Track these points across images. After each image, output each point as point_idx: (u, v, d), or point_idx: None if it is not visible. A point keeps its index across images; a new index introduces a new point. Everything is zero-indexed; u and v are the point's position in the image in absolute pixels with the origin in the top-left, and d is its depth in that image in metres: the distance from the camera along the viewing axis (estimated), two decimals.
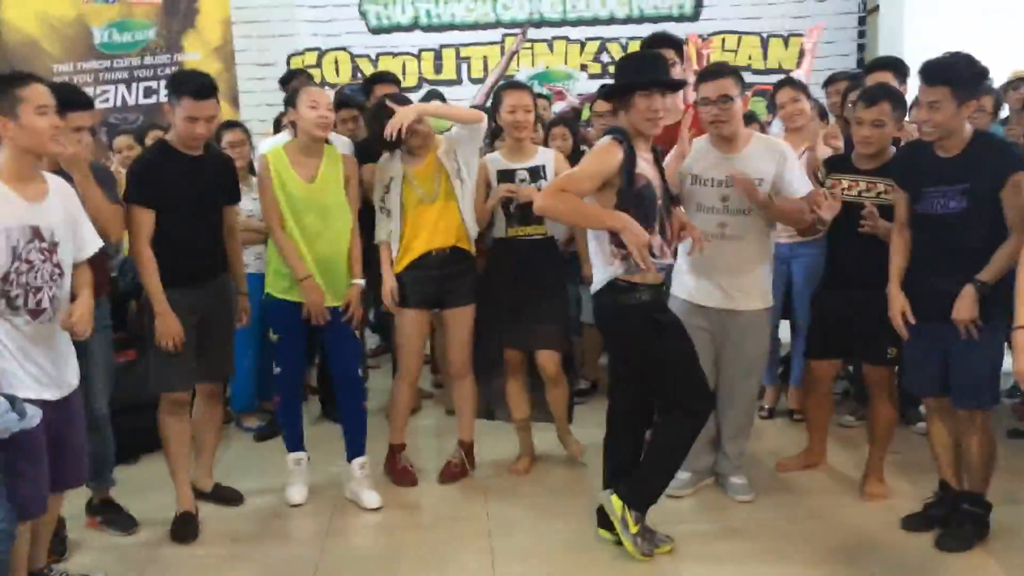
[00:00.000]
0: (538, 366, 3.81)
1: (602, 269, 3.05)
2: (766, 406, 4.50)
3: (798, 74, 6.29)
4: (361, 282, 3.68)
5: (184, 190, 3.30)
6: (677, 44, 4.01)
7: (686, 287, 3.53)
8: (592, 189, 2.94)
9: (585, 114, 6.08)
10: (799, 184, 3.42)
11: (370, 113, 3.88)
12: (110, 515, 3.47)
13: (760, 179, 3.35)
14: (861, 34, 7.46)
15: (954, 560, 3.05)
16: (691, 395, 3.06)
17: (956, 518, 3.17)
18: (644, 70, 3.01)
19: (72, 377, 2.74)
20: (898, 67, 4.28)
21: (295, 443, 3.74)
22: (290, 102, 3.58)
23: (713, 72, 3.43)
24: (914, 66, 5.03)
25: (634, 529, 3.05)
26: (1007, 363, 2.84)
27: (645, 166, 2.98)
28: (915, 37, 6.80)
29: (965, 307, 2.94)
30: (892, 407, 3.59)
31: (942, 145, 3.04)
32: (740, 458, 3.66)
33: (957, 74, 2.94)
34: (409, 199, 3.70)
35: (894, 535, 3.25)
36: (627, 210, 2.90)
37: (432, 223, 3.69)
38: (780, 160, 3.40)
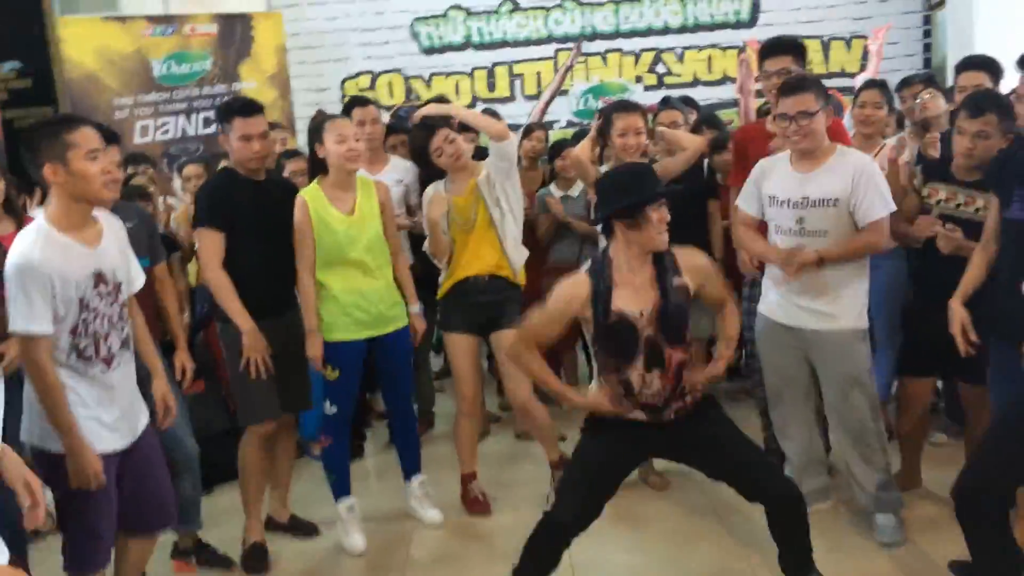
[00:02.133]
0: None
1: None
2: None
3: (863, 77, 6.13)
4: (417, 308, 3.65)
5: (252, 214, 3.29)
6: (797, 49, 3.76)
7: (770, 306, 3.39)
8: (560, 330, 2.82)
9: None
10: (872, 206, 3.13)
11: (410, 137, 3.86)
12: (204, 556, 3.45)
13: (835, 199, 3.14)
14: (927, 33, 7.23)
15: None
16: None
17: None
18: (644, 184, 2.74)
19: (144, 418, 2.70)
20: (991, 67, 3.95)
21: (345, 488, 3.61)
22: (316, 139, 3.46)
23: (792, 87, 3.19)
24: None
25: None
26: None
27: (626, 295, 2.72)
28: (985, 32, 6.56)
29: None
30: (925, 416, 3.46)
31: None
32: (884, 492, 3.33)
33: None
34: (453, 226, 3.67)
35: None
36: (602, 342, 2.76)
37: (471, 250, 3.66)
38: (859, 178, 3.13)
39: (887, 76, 5.95)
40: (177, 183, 5.41)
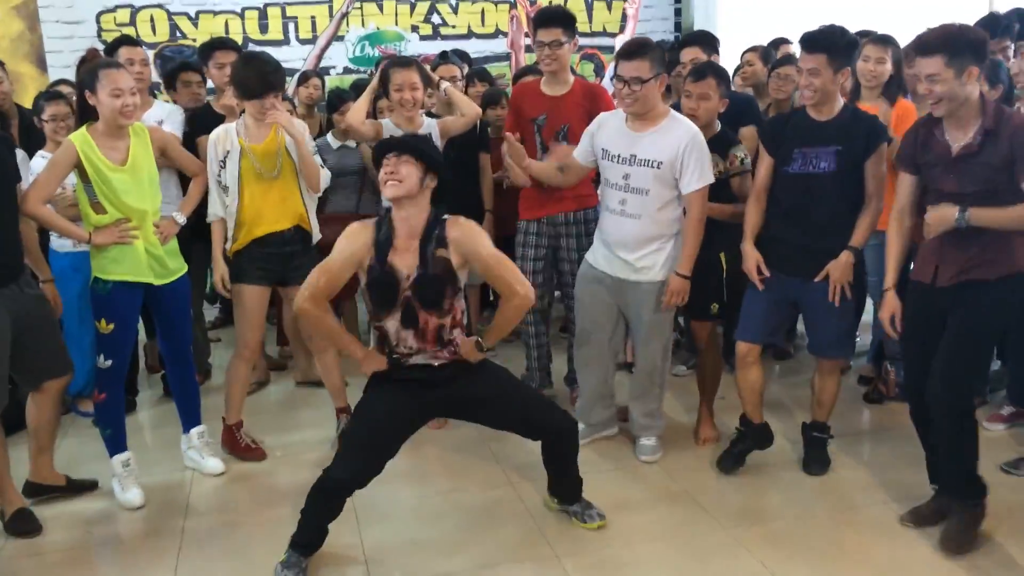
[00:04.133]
0: None
1: None
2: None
3: (621, 38, 6.58)
4: (180, 217, 3.59)
5: None
6: (568, 20, 3.97)
7: (593, 254, 3.68)
8: (347, 276, 2.89)
9: None
10: (691, 175, 3.39)
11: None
12: None
13: (658, 162, 3.40)
14: None
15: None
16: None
17: (809, 446, 3.56)
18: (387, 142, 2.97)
19: None
20: (707, 40, 4.65)
21: (121, 444, 3.52)
22: (87, 86, 3.29)
23: (631, 52, 3.40)
24: (724, 34, 5.44)
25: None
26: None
27: (399, 254, 2.85)
28: (727, 1, 7.23)
29: (842, 270, 3.23)
30: (718, 357, 3.93)
31: (817, 109, 3.25)
32: (650, 419, 3.76)
33: (833, 43, 3.16)
34: (247, 174, 3.64)
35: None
36: (371, 289, 2.89)
37: (273, 202, 3.66)
38: (681, 148, 3.37)
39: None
40: None
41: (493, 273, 2.91)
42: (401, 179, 2.81)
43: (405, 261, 2.85)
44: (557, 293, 4.42)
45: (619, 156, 3.47)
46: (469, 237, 2.88)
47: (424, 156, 2.86)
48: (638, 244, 3.51)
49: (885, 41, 4.00)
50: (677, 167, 3.41)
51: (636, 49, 3.40)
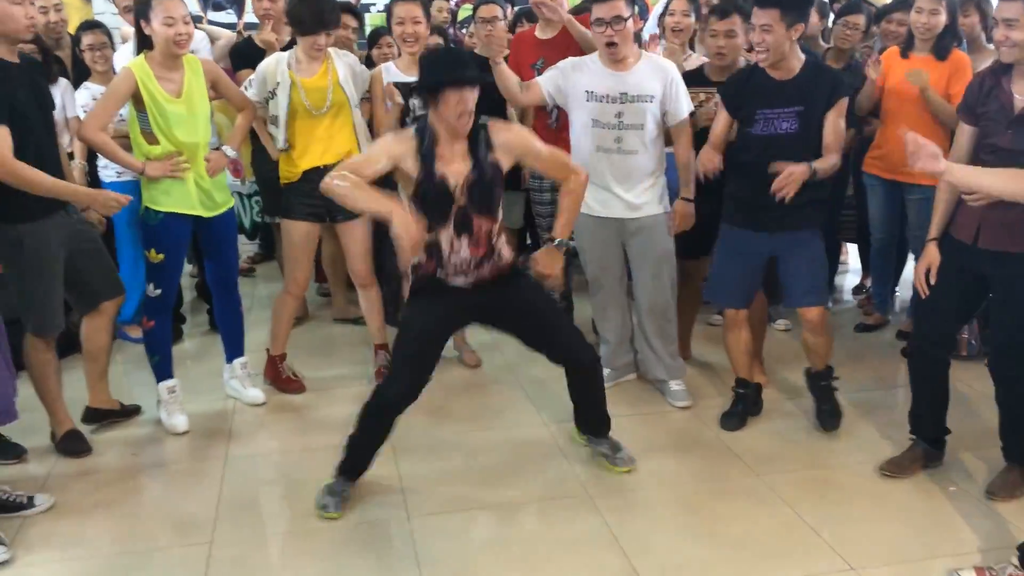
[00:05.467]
0: None
1: None
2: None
3: None
4: (230, 151, 3.64)
5: (26, 102, 3.05)
6: None
7: (586, 202, 3.64)
8: (375, 173, 2.83)
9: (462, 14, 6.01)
10: (679, 105, 3.52)
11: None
12: None
13: (651, 96, 3.48)
14: None
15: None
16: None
17: (820, 396, 3.54)
18: (454, 67, 2.83)
19: None
20: None
21: (168, 371, 3.62)
22: (141, 15, 3.33)
23: None
24: None
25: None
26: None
27: (445, 163, 2.85)
28: None
29: (797, 174, 3.12)
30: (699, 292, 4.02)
31: (775, 68, 3.22)
32: (676, 361, 3.80)
33: None
34: (298, 108, 3.66)
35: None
36: (419, 202, 2.87)
37: (320, 137, 3.69)
38: (667, 80, 3.49)
39: None
40: None
41: (553, 163, 3.05)
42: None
43: (453, 168, 2.87)
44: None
45: (608, 96, 3.49)
46: (520, 137, 3.00)
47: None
48: (636, 180, 3.56)
49: None
50: (667, 99, 3.49)
51: None
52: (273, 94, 3.68)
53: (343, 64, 3.72)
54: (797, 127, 3.21)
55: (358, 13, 4.96)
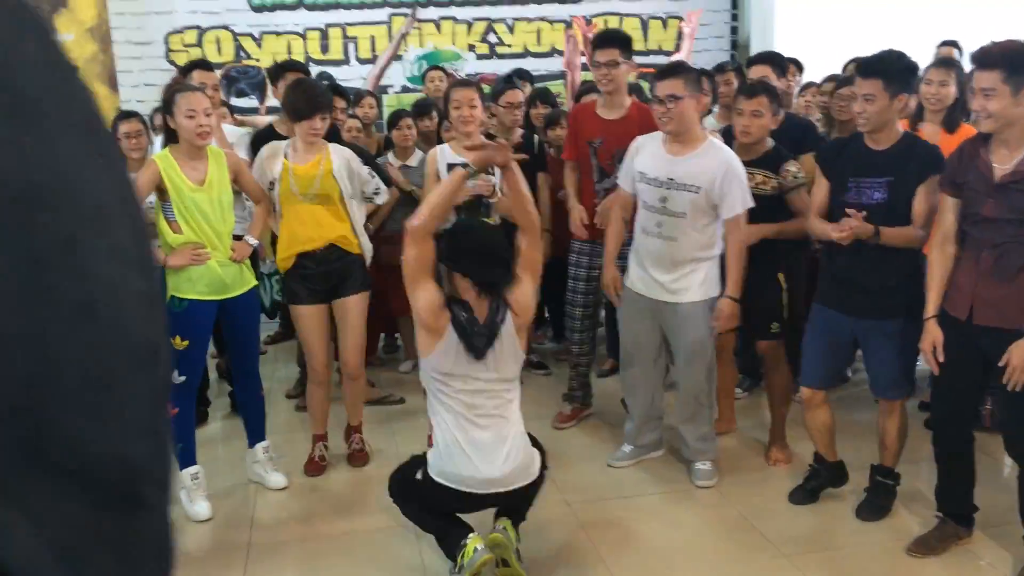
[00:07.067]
0: None
1: None
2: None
3: (678, 57, 6.60)
4: (253, 240, 3.71)
5: None
6: (624, 42, 4.07)
7: (630, 278, 3.72)
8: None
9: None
10: (732, 201, 3.43)
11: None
12: None
13: (697, 187, 3.44)
14: (734, 16, 7.81)
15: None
16: None
17: (871, 490, 3.44)
18: (460, 256, 2.89)
19: None
20: (776, 60, 4.56)
21: (191, 457, 3.64)
22: (166, 110, 3.47)
23: (664, 72, 3.50)
24: (786, 50, 5.42)
25: None
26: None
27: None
28: (784, 17, 7.21)
29: (858, 227, 3.05)
30: (785, 376, 3.87)
31: (873, 137, 3.16)
32: (704, 443, 3.76)
33: (889, 68, 3.07)
34: (286, 193, 3.73)
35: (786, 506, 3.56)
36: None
37: (306, 222, 3.75)
38: (722, 173, 3.42)
39: (698, 56, 6.49)
40: None
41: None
42: None
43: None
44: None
45: (656, 179, 3.51)
46: (528, 300, 2.95)
47: None
48: (673, 265, 3.55)
49: (949, 64, 3.97)
50: (715, 193, 3.44)
51: (670, 68, 3.52)
52: (272, 185, 3.77)
53: (340, 157, 3.80)
54: (887, 197, 3.12)
55: (344, 92, 5.09)
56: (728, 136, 4.11)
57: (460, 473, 2.82)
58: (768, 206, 3.60)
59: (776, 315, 3.71)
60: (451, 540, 2.91)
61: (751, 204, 3.48)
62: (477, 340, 2.81)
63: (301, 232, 3.77)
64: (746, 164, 3.66)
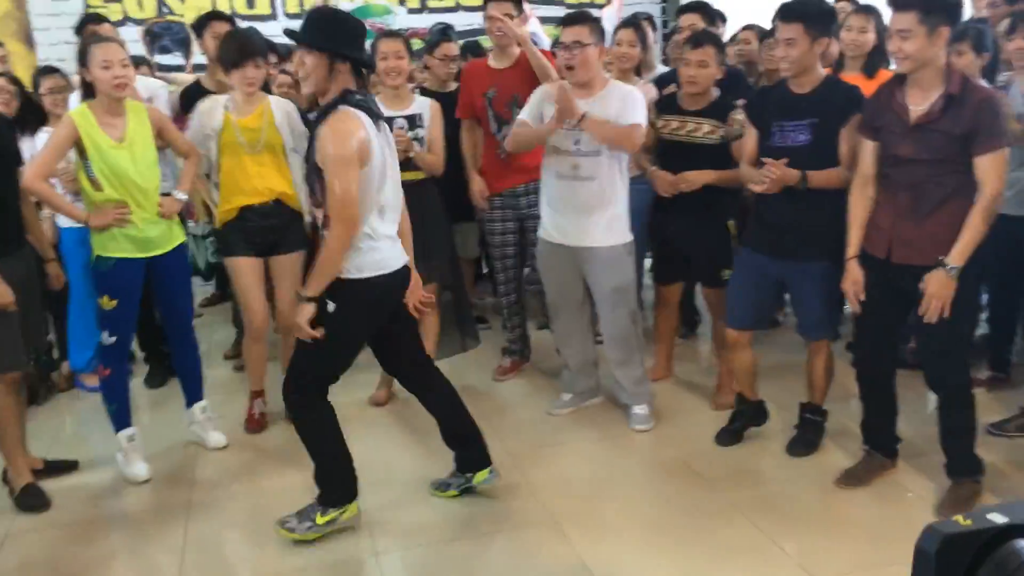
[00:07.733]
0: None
1: None
2: None
3: (610, 11, 6.59)
4: (181, 195, 3.62)
5: None
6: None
7: (545, 228, 3.74)
8: None
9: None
10: (631, 114, 3.49)
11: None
12: None
13: (607, 119, 3.49)
14: None
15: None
16: None
17: (801, 426, 3.56)
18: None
19: None
20: (706, 9, 4.65)
21: (126, 419, 3.56)
22: (81, 62, 3.34)
23: (570, 19, 3.56)
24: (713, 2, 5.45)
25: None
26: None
27: None
28: None
29: (783, 173, 3.12)
30: (676, 315, 4.06)
31: (796, 81, 3.21)
32: (639, 387, 3.82)
33: (809, 11, 3.11)
34: (229, 147, 3.68)
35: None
36: None
37: (249, 176, 3.70)
38: (624, 97, 3.53)
39: (629, 8, 6.50)
40: None
41: None
42: None
43: None
44: (527, 270, 4.44)
45: (568, 121, 3.51)
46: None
47: None
48: (594, 207, 3.59)
49: (868, 10, 4.03)
50: (623, 119, 3.49)
51: (576, 16, 3.57)
52: (208, 138, 3.70)
53: (280, 110, 3.75)
54: (811, 139, 3.16)
55: (275, 48, 4.98)
56: (663, 84, 4.17)
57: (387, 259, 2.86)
58: (716, 154, 3.67)
59: (727, 262, 3.76)
60: (337, 485, 3.02)
61: (644, 123, 3.53)
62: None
63: (246, 184, 3.71)
64: (693, 114, 3.74)
